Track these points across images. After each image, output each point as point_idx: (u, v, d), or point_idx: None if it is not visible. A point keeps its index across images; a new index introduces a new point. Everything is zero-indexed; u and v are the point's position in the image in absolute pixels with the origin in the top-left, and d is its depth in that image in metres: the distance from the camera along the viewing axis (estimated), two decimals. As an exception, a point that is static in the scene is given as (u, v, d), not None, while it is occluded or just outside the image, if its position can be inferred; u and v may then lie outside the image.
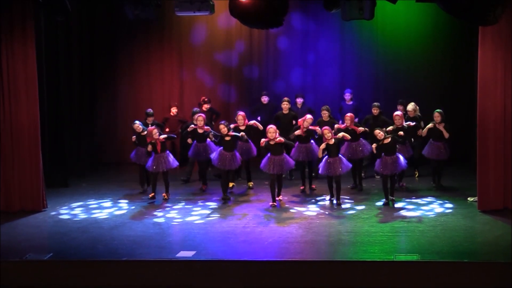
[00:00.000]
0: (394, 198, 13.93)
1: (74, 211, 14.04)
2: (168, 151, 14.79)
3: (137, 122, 15.33)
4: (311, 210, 13.73)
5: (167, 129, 17.12)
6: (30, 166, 13.98)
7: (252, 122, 15.39)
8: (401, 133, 14.52)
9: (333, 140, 13.89)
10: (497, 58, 13.10)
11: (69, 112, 17.05)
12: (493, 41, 13.04)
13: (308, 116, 14.82)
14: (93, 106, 18.55)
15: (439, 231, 12.11)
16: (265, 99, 17.36)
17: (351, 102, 17.11)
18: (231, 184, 15.24)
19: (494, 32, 12.93)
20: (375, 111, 15.81)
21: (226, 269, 10.54)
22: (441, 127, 14.92)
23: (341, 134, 14.16)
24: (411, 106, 15.90)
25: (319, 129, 14.47)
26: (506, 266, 10.19)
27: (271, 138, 13.96)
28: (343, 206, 13.84)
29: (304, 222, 12.87)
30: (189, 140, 15.50)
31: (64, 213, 13.90)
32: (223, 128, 14.40)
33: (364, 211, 13.55)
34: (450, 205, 13.75)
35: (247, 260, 10.72)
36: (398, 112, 15.14)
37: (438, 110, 15.09)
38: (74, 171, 16.98)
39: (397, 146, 14.11)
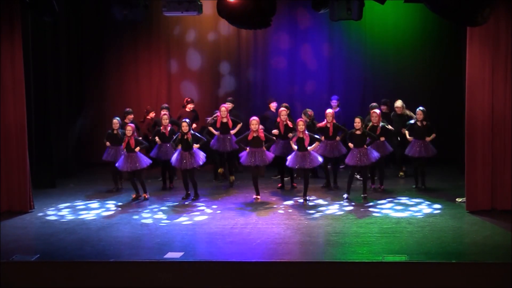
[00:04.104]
0: (366, 196, 14.36)
1: (61, 212, 13.99)
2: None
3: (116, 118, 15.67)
4: (299, 211, 13.72)
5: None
6: (17, 166, 13.91)
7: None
8: (390, 127, 15.20)
9: (304, 133, 14.03)
10: (484, 58, 13.11)
11: (57, 112, 16.99)
12: (481, 41, 13.05)
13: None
14: (80, 106, 18.50)
15: (427, 232, 12.11)
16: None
17: (337, 109, 16.78)
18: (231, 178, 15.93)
19: (481, 32, 12.94)
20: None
21: (214, 270, 10.52)
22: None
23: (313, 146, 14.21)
24: (399, 103, 16.17)
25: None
26: (494, 267, 10.23)
27: (254, 130, 14.29)
28: (330, 207, 13.82)
29: (292, 223, 12.84)
30: (157, 139, 15.40)
31: (51, 214, 13.84)
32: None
33: (352, 212, 13.54)
34: (438, 206, 13.76)
35: (235, 261, 10.69)
36: (376, 110, 15.24)
37: (421, 108, 15.10)
38: (62, 172, 16.93)
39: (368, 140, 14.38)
